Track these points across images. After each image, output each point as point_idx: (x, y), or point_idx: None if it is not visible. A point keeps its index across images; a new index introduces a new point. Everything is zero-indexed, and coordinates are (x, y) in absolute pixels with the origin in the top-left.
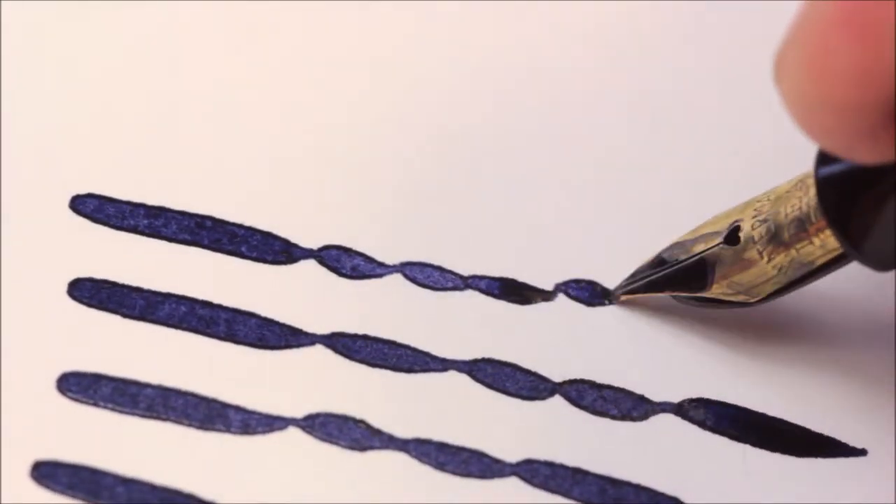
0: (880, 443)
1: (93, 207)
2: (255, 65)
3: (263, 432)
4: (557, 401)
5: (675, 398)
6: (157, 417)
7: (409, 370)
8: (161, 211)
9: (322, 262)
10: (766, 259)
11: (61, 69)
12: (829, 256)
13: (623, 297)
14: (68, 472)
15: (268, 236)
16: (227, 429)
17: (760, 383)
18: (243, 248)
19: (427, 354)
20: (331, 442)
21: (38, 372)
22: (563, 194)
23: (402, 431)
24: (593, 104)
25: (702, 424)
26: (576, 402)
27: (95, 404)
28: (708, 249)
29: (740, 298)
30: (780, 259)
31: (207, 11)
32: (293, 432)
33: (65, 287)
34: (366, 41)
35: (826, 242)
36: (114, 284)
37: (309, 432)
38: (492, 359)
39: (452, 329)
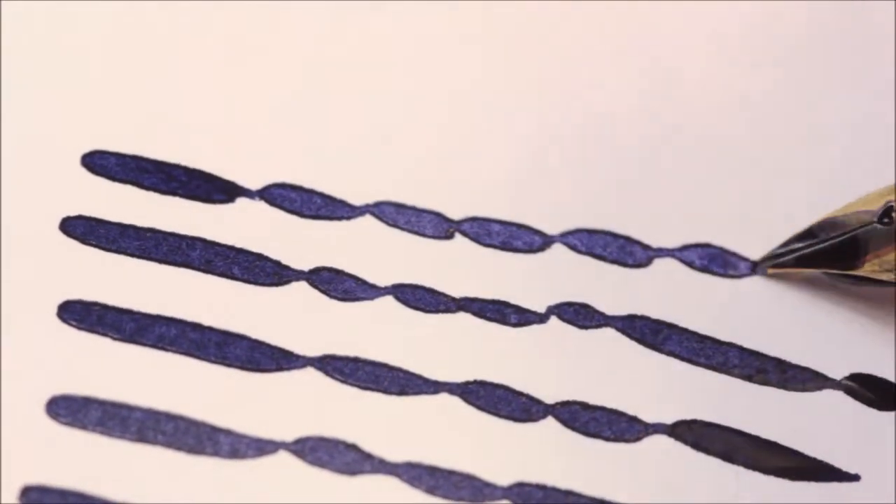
0: (874, 469)
1: (83, 229)
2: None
3: (253, 456)
4: (550, 423)
5: (669, 419)
6: (147, 441)
7: (401, 393)
8: (151, 232)
9: (313, 284)
10: None
11: (50, 87)
12: None
13: (771, 271)
14: (57, 497)
15: (259, 258)
16: (217, 453)
17: (754, 405)
18: (234, 270)
19: (419, 377)
20: (321, 466)
21: (27, 395)
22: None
23: (394, 455)
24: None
25: (695, 446)
26: (568, 424)
27: (85, 428)
28: (862, 227)
29: (890, 277)
30: None
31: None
32: (283, 456)
33: (55, 309)
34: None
35: None
36: (104, 306)
37: (300, 456)
38: (484, 381)
39: (444, 351)
